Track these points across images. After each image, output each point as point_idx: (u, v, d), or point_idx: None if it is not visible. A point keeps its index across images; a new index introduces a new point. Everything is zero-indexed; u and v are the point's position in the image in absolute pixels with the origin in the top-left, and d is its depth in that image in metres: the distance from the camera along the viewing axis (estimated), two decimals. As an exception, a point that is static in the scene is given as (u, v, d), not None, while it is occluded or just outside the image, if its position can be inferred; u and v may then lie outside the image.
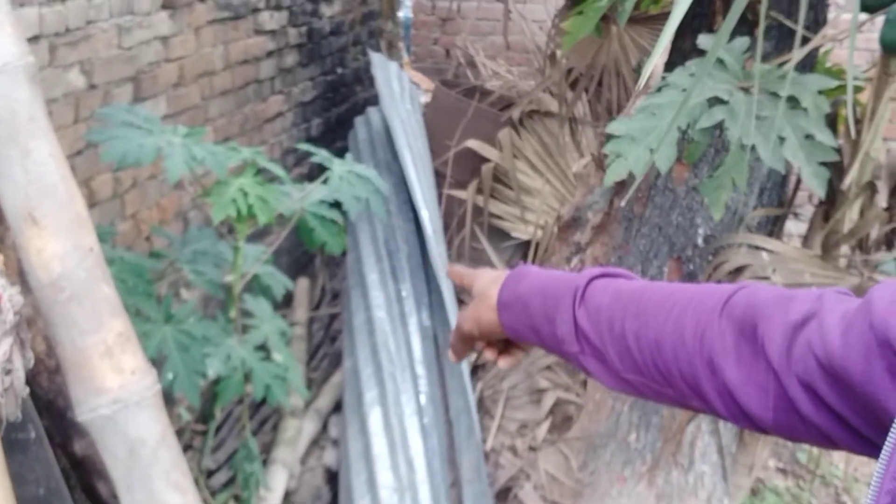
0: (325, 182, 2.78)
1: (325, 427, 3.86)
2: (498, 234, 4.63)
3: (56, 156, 1.07)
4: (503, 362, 1.33)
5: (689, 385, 1.03)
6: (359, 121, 4.99)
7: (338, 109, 5.26)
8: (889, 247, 3.63)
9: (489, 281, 1.28)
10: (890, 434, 0.75)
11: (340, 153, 3.24)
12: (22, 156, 1.02)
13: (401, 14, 6.72)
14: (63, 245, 1.04)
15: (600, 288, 1.16)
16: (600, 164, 3.83)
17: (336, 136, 5.14)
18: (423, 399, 3.57)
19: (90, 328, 1.03)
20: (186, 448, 3.42)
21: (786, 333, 0.93)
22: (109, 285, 1.06)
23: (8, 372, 0.95)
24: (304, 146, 3.07)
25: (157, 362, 2.47)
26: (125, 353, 1.04)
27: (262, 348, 2.67)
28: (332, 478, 3.64)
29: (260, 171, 2.60)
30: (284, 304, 4.22)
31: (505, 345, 1.33)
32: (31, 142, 1.04)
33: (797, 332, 0.91)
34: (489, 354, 1.33)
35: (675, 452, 3.35)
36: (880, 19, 2.95)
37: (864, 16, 2.76)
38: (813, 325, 0.90)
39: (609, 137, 2.72)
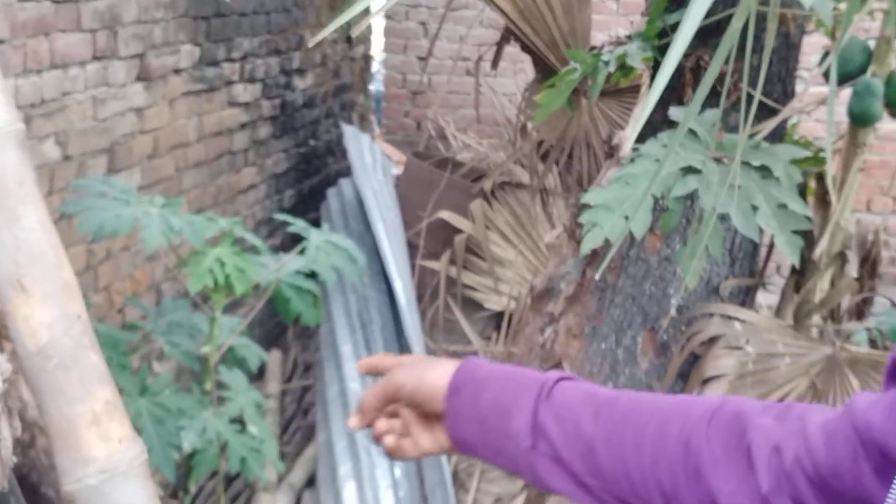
0: (301, 252, 2.78)
1: (298, 502, 3.81)
2: (471, 305, 4.64)
3: (44, 222, 1.06)
4: (396, 450, 1.19)
5: (666, 494, 1.00)
6: (331, 192, 5.01)
7: (310, 181, 5.28)
8: (860, 317, 3.67)
9: (434, 363, 1.17)
10: None
11: (313, 224, 3.25)
12: (10, 222, 1.02)
13: (372, 87, 6.78)
14: (51, 312, 1.03)
15: (570, 388, 1.10)
16: (572, 234, 3.85)
17: (308, 208, 5.15)
18: (397, 472, 3.54)
19: (78, 397, 1.02)
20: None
21: (773, 452, 0.93)
22: (97, 353, 1.05)
23: (-5, 442, 0.94)
24: (281, 216, 3.07)
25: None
26: (112, 421, 1.03)
27: (238, 421, 2.64)
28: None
29: (236, 242, 2.59)
30: (257, 376, 4.19)
31: (416, 427, 1.18)
32: (20, 208, 1.03)
33: (783, 451, 0.92)
34: (385, 430, 1.18)
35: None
36: (846, 92, 3.01)
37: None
38: (797, 440, 0.91)
39: (584, 207, 2.74)
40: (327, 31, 1.35)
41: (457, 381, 1.13)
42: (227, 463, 2.56)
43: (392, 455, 1.20)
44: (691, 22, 1.40)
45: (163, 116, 3.55)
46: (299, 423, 4.32)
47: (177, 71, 3.63)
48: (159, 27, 3.47)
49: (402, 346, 4.00)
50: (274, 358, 4.51)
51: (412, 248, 4.74)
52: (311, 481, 3.85)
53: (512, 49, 4.83)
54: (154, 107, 3.47)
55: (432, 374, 1.15)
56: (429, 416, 1.16)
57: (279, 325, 4.74)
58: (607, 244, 2.85)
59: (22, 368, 1.02)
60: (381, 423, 1.18)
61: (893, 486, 0.73)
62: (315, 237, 2.78)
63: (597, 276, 3.44)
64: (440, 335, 4.65)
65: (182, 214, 2.48)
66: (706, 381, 3.07)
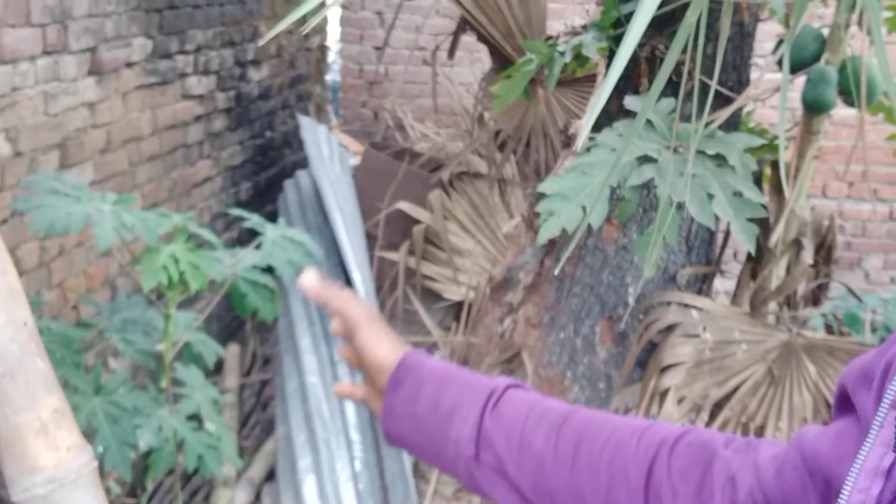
0: (257, 247, 2.76)
1: (258, 497, 3.79)
2: (430, 296, 4.63)
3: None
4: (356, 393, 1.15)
5: None
6: (288, 184, 4.98)
7: (267, 173, 5.24)
8: (816, 303, 3.70)
9: (383, 339, 1.11)
10: None
11: (270, 217, 3.22)
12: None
13: (328, 77, 6.75)
14: (-5, 321, 1.01)
15: (520, 398, 1.06)
16: (530, 224, 3.85)
17: (266, 200, 5.11)
18: (357, 465, 3.53)
19: (24, 405, 1.00)
20: (117, 521, 3.34)
21: (728, 484, 0.92)
22: (44, 360, 1.03)
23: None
24: (236, 211, 3.05)
25: (87, 435, 2.41)
26: (60, 429, 1.01)
27: (194, 418, 2.62)
28: (267, 548, 3.57)
29: (191, 237, 2.56)
30: (215, 371, 4.16)
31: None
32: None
33: (738, 483, 0.91)
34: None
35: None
36: (800, 80, 3.02)
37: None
38: (750, 472, 0.91)
39: (541, 196, 2.74)
40: (283, 26, 1.33)
41: (398, 377, 1.09)
42: (184, 460, 2.54)
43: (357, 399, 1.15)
44: (645, 12, 1.39)
45: (115, 110, 3.50)
46: (258, 417, 4.30)
47: (129, 64, 3.59)
48: (111, 20, 3.42)
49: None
50: (232, 352, 4.49)
51: (371, 239, 4.73)
52: (270, 475, 3.84)
53: (468, 39, 4.82)
54: (106, 101, 3.43)
55: (383, 349, 1.10)
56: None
57: (237, 318, 4.71)
58: (565, 234, 2.85)
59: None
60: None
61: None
62: (271, 232, 2.76)
63: (556, 269, 3.44)
64: (399, 326, 4.63)
65: (135, 210, 2.45)
66: (664, 370, 3.09)
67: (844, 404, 0.84)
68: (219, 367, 4.25)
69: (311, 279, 1.13)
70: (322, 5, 1.41)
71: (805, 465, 0.85)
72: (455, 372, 1.10)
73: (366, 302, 1.13)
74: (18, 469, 0.98)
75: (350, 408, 3.71)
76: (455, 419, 1.05)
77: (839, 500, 0.72)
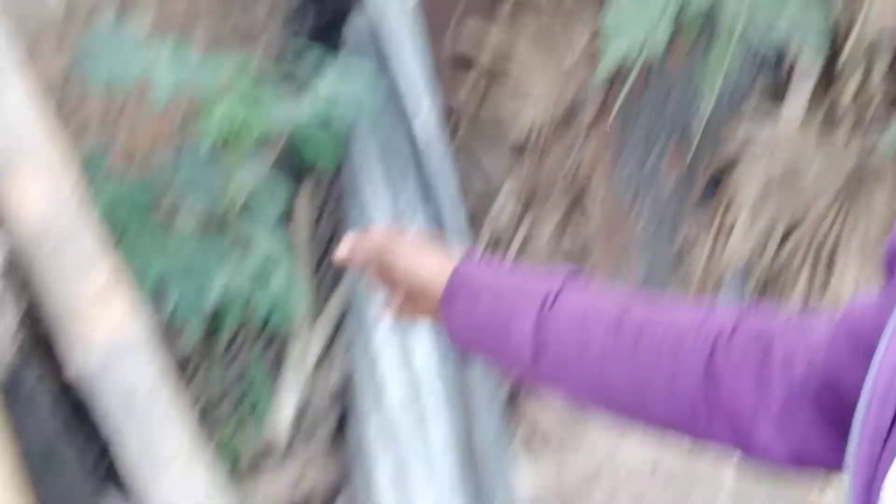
0: (317, 91, 2.71)
1: (331, 343, 3.85)
2: (491, 139, 4.58)
3: (31, 96, 1.03)
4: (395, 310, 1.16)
5: (683, 410, 0.97)
6: (353, 18, 4.88)
7: (332, 4, 5.13)
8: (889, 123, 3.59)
9: (430, 253, 1.12)
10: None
11: (336, 50, 3.13)
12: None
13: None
14: (44, 192, 1.01)
15: (577, 296, 1.05)
16: (593, 57, 3.77)
17: (331, 35, 5.02)
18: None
19: (77, 276, 1.01)
20: (193, 374, 3.42)
21: (787, 365, 0.91)
22: (94, 231, 1.03)
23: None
24: (297, 46, 2.99)
25: (157, 292, 2.45)
26: (116, 297, 1.02)
27: (264, 269, 2.65)
28: (341, 393, 3.64)
29: (251, 82, 2.53)
30: (285, 218, 4.18)
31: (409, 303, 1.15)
32: (3, 89, 1.00)
33: (796, 364, 0.91)
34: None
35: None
36: None
37: None
38: (806, 351, 0.90)
39: (601, 28, 2.67)
40: None
41: (451, 289, 1.08)
42: (255, 313, 2.58)
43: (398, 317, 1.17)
44: None
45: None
46: (330, 264, 4.34)
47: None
48: None
49: (427, 182, 3.96)
50: (302, 200, 4.50)
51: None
52: (343, 322, 3.89)
53: None
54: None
55: (427, 267, 1.10)
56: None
57: (305, 163, 4.70)
58: (627, 64, 2.79)
59: (19, 251, 1.01)
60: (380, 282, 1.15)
61: (868, 376, 0.71)
62: (330, 73, 2.71)
63: (619, 100, 3.38)
64: (462, 168, 4.61)
65: (192, 59, 2.42)
66: (733, 197, 3.05)
67: (890, 269, 0.81)
68: (288, 213, 4.27)
69: (342, 252, 1.14)
70: None
71: (853, 340, 0.84)
72: (508, 277, 1.10)
73: (390, 228, 1.12)
74: (76, 337, 1.00)
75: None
76: (513, 324, 1.05)
77: (874, 359, 0.71)
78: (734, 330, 0.96)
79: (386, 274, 1.12)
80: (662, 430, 1.01)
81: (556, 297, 1.05)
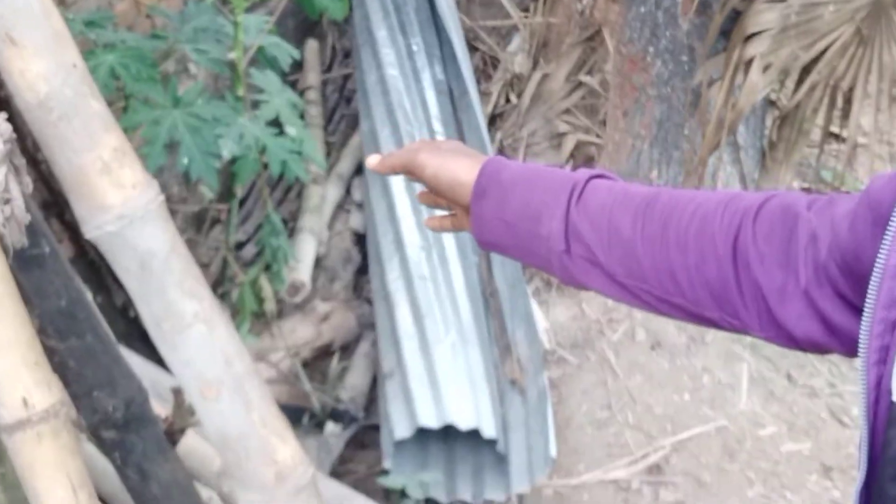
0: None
1: (348, 191, 3.88)
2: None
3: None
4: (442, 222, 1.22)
5: (715, 291, 0.99)
6: None
7: None
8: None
9: (458, 154, 1.14)
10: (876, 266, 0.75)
11: None
12: (-14, -28, 0.98)
13: None
14: (46, 64, 1.00)
15: (604, 187, 1.07)
16: None
17: None
18: (437, 127, 3.55)
19: (84, 146, 1.01)
20: (214, 222, 3.45)
21: (811, 244, 0.92)
22: (99, 100, 1.03)
23: (7, 201, 0.94)
24: None
25: (171, 147, 2.46)
26: (123, 167, 1.03)
27: (275, 122, 2.64)
28: (360, 240, 3.68)
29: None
30: (295, 69, 4.15)
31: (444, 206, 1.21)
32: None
33: (819, 242, 0.91)
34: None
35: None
36: None
37: None
38: (828, 230, 0.91)
39: None
40: None
41: (481, 184, 1.10)
42: (269, 165, 2.59)
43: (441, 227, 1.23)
44: None
45: None
46: (343, 112, 4.33)
47: None
48: None
49: (439, 28, 3.91)
50: (311, 48, 4.46)
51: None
52: (359, 169, 3.91)
53: None
54: None
55: (455, 165, 1.12)
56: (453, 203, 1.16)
57: (314, 15, 4.64)
58: None
59: (26, 122, 1.01)
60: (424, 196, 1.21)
61: (883, 242, 0.71)
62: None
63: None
64: (477, 10, 4.54)
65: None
66: (749, 37, 2.99)
67: None
68: (299, 64, 4.24)
69: (374, 160, 1.20)
70: None
71: (872, 215, 0.85)
72: (537, 172, 1.11)
73: (426, 140, 1.16)
74: (87, 208, 1.00)
75: (431, 98, 3.70)
76: (543, 217, 1.07)
77: (887, 232, 0.71)
78: (761, 207, 0.98)
79: (418, 177, 1.15)
80: (694, 316, 1.02)
81: (584, 187, 1.07)
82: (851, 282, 0.89)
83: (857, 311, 0.86)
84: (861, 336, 0.78)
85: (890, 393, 0.74)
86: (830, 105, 3.17)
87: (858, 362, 0.79)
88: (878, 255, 0.74)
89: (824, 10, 2.96)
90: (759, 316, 0.97)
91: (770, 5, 2.96)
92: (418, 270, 3.13)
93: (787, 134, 3.30)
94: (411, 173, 1.15)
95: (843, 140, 3.43)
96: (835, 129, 3.42)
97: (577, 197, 1.06)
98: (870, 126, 3.30)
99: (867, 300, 0.77)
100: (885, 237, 0.72)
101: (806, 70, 3.08)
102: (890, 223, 0.72)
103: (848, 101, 3.14)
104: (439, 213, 1.24)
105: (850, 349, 0.90)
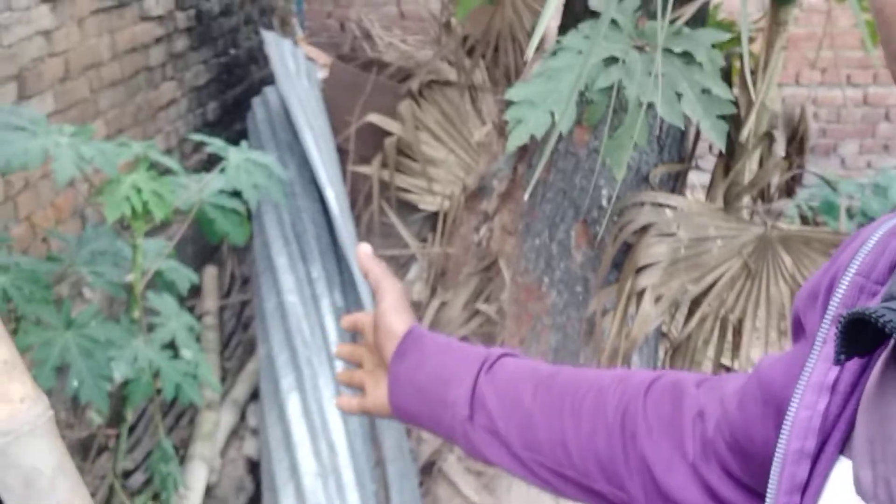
0: (222, 171, 2.71)
1: (243, 417, 3.81)
2: (406, 208, 4.61)
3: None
4: (347, 403, 1.22)
5: (603, 463, 1.00)
6: (256, 101, 4.91)
7: (233, 91, 5.17)
8: (790, 194, 3.69)
9: (398, 309, 1.17)
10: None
11: (240, 136, 3.17)
12: None
13: (292, -11, 6.62)
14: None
15: (513, 363, 1.12)
16: (502, 131, 3.81)
17: (234, 119, 5.05)
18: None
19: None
20: (102, 450, 3.35)
21: (698, 419, 0.95)
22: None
23: None
24: (198, 137, 3.00)
25: (61, 370, 2.40)
26: (12, 381, 0.99)
27: (171, 346, 2.61)
28: (254, 468, 3.59)
29: (154, 165, 2.52)
30: (193, 294, 4.14)
31: (371, 379, 1.20)
32: None
33: (707, 418, 0.94)
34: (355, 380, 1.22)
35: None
36: (768, -30, 2.97)
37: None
38: (717, 406, 0.93)
39: (509, 104, 2.70)
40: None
41: (404, 346, 1.14)
42: (163, 389, 2.54)
43: (347, 409, 1.22)
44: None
45: (72, 37, 3.43)
46: (240, 338, 4.30)
47: (83, -12, 3.50)
48: (61, -57, 3.33)
49: (339, 255, 3.97)
50: (210, 274, 4.47)
51: (342, 153, 4.68)
52: (254, 395, 3.85)
53: (432, -57, 4.72)
54: (62, 28, 3.35)
55: (395, 319, 1.16)
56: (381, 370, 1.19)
57: (213, 241, 4.67)
58: (537, 139, 2.82)
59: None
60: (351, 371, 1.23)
61: (784, 428, 0.73)
62: (234, 155, 2.72)
63: (529, 176, 3.41)
64: (376, 240, 4.62)
65: (94, 141, 2.40)
66: (640, 269, 3.08)
67: (798, 329, 0.84)
68: (197, 290, 4.23)
69: (368, 248, 1.21)
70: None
71: (762, 394, 0.86)
72: (456, 344, 1.16)
73: (397, 282, 1.19)
74: (-29, 423, 0.97)
75: (330, 324, 3.71)
76: (453, 384, 1.10)
77: (787, 416, 0.72)
78: (653, 382, 1.01)
79: (378, 299, 1.19)
80: (584, 490, 1.03)
81: (496, 361, 1.11)
82: (739, 459, 0.89)
83: (745, 487, 0.88)
84: None
85: None
86: (721, 337, 3.24)
87: None
88: (779, 441, 0.74)
89: (712, 245, 3.08)
90: (644, 487, 0.97)
91: (660, 239, 3.06)
92: (314, 498, 3.06)
93: (680, 365, 3.35)
94: (376, 292, 1.19)
95: (735, 373, 3.49)
96: (726, 361, 3.49)
97: (487, 367, 1.10)
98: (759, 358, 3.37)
99: (769, 486, 0.77)
100: (785, 423, 0.73)
101: (696, 302, 3.16)
102: (789, 410, 0.72)
103: (737, 333, 3.22)
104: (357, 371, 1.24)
105: None
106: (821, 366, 0.70)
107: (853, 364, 0.68)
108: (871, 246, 0.72)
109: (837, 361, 0.64)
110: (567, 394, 1.04)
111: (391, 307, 1.17)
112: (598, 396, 1.02)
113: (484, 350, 1.14)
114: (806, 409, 0.70)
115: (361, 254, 1.22)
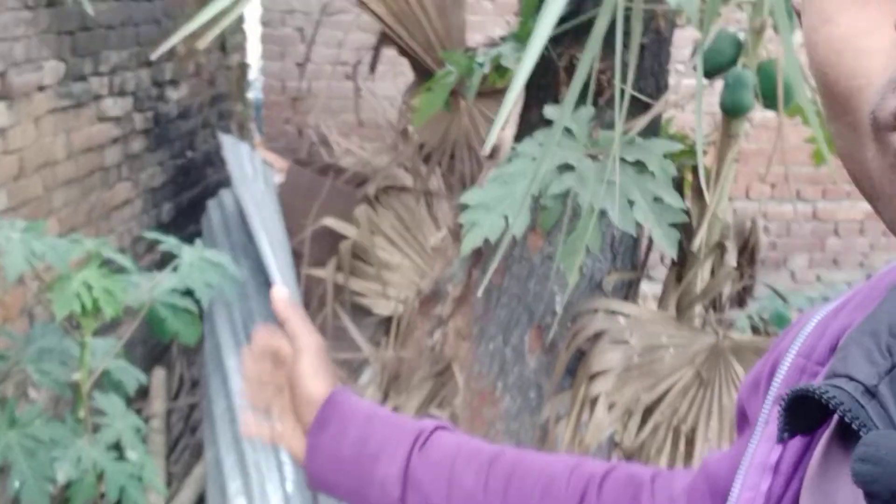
0: (174, 270, 2.70)
1: (189, 521, 3.73)
2: (359, 312, 4.59)
3: None
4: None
5: None
6: (212, 204, 4.91)
7: (189, 193, 5.17)
8: (741, 304, 3.72)
9: (315, 372, 1.08)
10: None
11: (194, 237, 3.16)
12: None
13: (251, 95, 6.68)
14: None
15: (449, 439, 1.05)
16: (457, 235, 3.83)
17: (189, 221, 5.04)
18: (289, 487, 3.47)
19: None
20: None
21: None
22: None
23: None
24: (152, 235, 2.99)
25: (3, 470, 2.34)
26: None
27: (116, 447, 2.56)
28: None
29: (106, 263, 2.50)
30: (141, 396, 4.08)
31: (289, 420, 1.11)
32: None
33: None
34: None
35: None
36: (719, 84, 3.04)
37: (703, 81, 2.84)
38: (667, 496, 0.93)
39: (463, 208, 2.72)
40: (183, 34, 1.31)
41: (324, 415, 1.05)
42: (107, 491, 2.48)
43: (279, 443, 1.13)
44: (548, 19, 1.38)
45: (28, 135, 3.42)
46: (187, 442, 4.23)
47: (41, 88, 3.51)
48: (20, 44, 3.34)
49: (290, 358, 3.93)
50: (158, 376, 4.41)
51: (297, 256, 4.68)
52: (201, 500, 3.77)
53: (391, 52, 4.79)
54: (18, 126, 3.35)
55: (314, 384, 1.06)
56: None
57: (162, 342, 4.63)
58: (491, 245, 2.84)
59: None
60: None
61: None
62: (188, 254, 2.70)
63: (482, 281, 3.42)
64: (330, 342, 4.59)
65: (46, 238, 2.39)
66: (593, 376, 3.08)
67: (742, 420, 0.84)
68: (145, 391, 4.17)
69: (284, 293, 1.14)
70: (229, 10, 1.39)
71: (709, 489, 0.86)
72: (381, 412, 1.08)
73: (318, 335, 1.10)
74: None
75: (280, 429, 3.65)
76: (381, 460, 1.03)
77: (729, 498, 0.72)
78: (607, 474, 0.99)
79: (285, 356, 1.10)
80: None
81: (429, 436, 1.04)
82: None
83: None
84: None
85: None
86: (673, 447, 3.23)
87: None
88: None
89: (665, 353, 3.09)
90: None
91: (613, 346, 3.07)
92: None
93: (633, 473, 3.34)
94: (292, 346, 1.09)
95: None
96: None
97: (420, 444, 1.03)
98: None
99: None
100: None
101: (649, 410, 3.16)
102: (731, 491, 0.72)
103: (690, 442, 3.21)
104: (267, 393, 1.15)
105: None
106: (763, 446, 0.70)
107: (795, 443, 0.68)
108: (810, 329, 0.74)
109: (781, 439, 0.63)
110: (513, 481, 1.00)
111: (309, 369, 1.07)
112: (549, 484, 0.99)
113: (414, 422, 1.07)
114: (749, 490, 0.69)
115: (278, 300, 1.13)
